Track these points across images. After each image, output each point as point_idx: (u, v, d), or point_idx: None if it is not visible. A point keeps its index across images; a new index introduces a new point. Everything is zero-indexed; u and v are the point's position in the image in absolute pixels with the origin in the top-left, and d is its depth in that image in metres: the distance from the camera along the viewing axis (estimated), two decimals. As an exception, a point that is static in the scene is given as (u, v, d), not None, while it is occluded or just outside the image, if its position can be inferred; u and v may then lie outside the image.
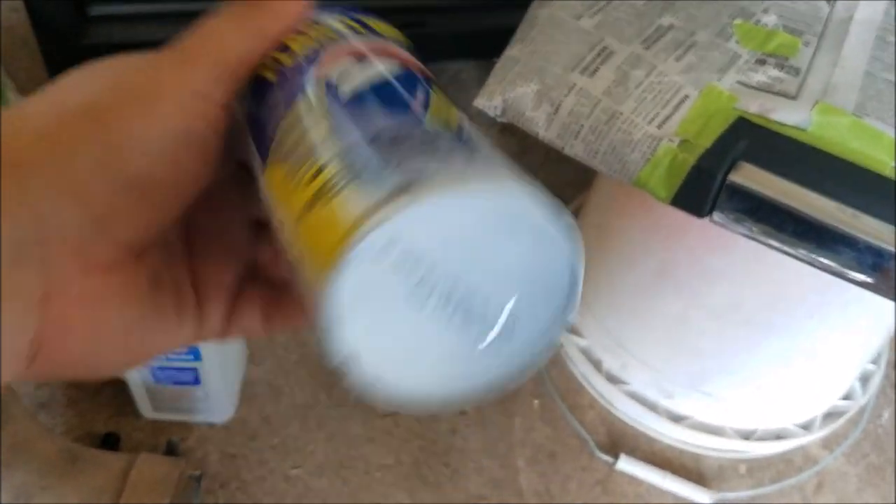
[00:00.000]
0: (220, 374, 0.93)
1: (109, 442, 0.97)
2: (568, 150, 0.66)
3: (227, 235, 0.35)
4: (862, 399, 1.03)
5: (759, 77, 0.65)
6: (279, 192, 0.28)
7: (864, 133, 0.60)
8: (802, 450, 1.03)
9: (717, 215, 0.61)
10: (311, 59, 0.31)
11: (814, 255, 0.61)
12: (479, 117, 0.85)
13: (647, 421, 1.01)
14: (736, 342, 0.88)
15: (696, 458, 1.01)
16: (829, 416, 1.02)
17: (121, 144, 0.27)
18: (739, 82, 0.65)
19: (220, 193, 0.33)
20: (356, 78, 0.29)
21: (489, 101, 0.69)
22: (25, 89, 1.32)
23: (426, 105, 0.29)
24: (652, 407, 1.00)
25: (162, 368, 0.89)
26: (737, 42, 0.68)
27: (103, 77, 0.29)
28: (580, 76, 0.67)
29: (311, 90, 0.29)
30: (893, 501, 1.00)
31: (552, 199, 0.28)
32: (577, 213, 1.16)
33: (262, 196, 0.30)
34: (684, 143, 0.61)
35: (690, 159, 0.60)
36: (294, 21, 0.32)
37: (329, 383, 1.05)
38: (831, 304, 0.80)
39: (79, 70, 0.30)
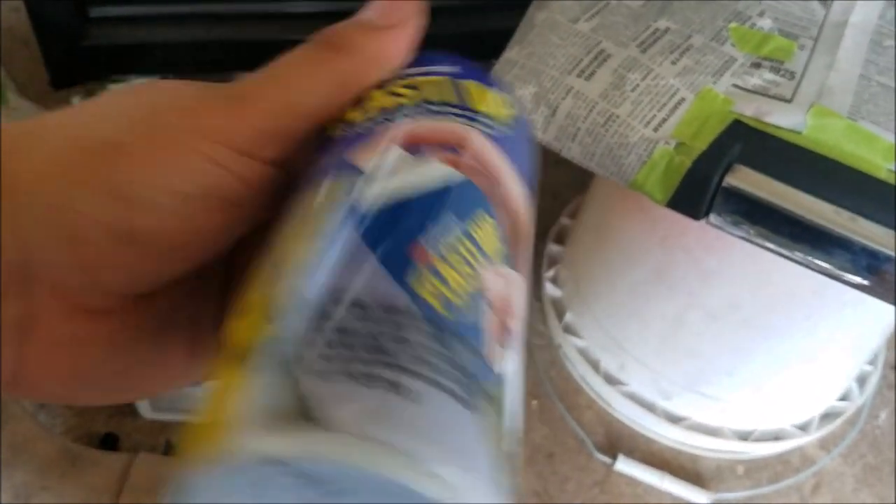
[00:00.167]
0: (219, 375, 0.93)
1: (108, 442, 0.97)
2: (565, 153, 0.67)
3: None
4: (859, 400, 1.04)
5: (755, 80, 0.65)
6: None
7: (858, 136, 0.61)
8: (800, 450, 1.03)
9: (713, 217, 0.62)
10: (363, 134, 0.26)
11: (810, 258, 0.61)
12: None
13: (645, 422, 1.01)
14: (734, 343, 0.89)
15: (694, 458, 1.01)
16: (827, 416, 1.02)
17: (129, 195, 0.24)
18: (735, 85, 0.65)
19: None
20: (383, 187, 0.24)
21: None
22: (25, 89, 1.32)
23: (435, 247, 0.23)
24: (650, 408, 1.00)
25: (161, 369, 0.89)
26: (732, 45, 0.68)
27: (138, 108, 0.25)
28: (577, 79, 0.67)
29: (336, 183, 0.24)
30: (891, 502, 1.00)
31: None
32: (574, 215, 1.17)
33: None
34: (680, 145, 0.62)
35: (686, 162, 0.61)
36: (389, 73, 0.28)
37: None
38: (828, 305, 0.80)
39: (121, 92, 0.26)
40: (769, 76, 0.65)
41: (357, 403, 0.19)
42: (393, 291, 0.21)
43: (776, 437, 1.00)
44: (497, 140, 0.27)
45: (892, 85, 0.65)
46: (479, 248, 0.24)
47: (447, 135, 0.26)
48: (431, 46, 0.30)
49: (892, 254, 0.58)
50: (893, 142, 0.60)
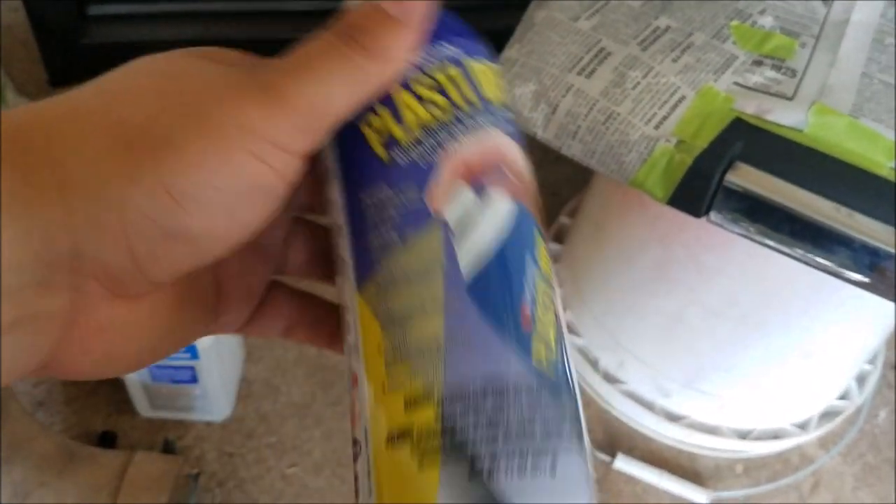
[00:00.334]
0: (217, 373, 0.93)
1: (107, 440, 0.97)
2: (565, 151, 0.67)
3: (263, 238, 0.31)
4: (858, 399, 1.04)
5: (756, 78, 0.65)
6: (368, 346, 0.27)
7: (860, 134, 0.61)
8: (799, 449, 1.03)
9: (713, 215, 0.62)
10: (421, 166, 0.28)
11: (810, 255, 0.61)
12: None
13: (644, 420, 1.01)
14: (732, 340, 0.89)
15: (693, 457, 1.01)
16: (826, 415, 1.02)
17: (180, 193, 0.24)
18: (736, 83, 0.65)
19: None
20: (475, 243, 0.27)
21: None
22: (24, 88, 1.32)
23: (533, 303, 0.27)
24: (649, 406, 1.00)
25: (159, 367, 0.89)
26: (733, 43, 0.68)
27: (178, 95, 0.26)
28: (577, 77, 0.67)
29: (427, 238, 0.27)
30: (890, 502, 1.00)
31: None
32: (573, 214, 1.17)
33: (345, 300, 0.29)
34: (681, 143, 0.61)
35: (687, 160, 0.61)
36: (406, 67, 0.29)
37: (326, 382, 1.05)
38: (827, 301, 0.80)
39: (147, 70, 0.27)
40: (770, 74, 0.65)
41: (525, 486, 0.24)
42: (511, 357, 0.26)
43: (775, 435, 1.00)
44: (511, 134, 0.30)
45: (894, 83, 0.65)
46: (550, 285, 0.28)
47: (491, 157, 0.28)
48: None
49: (893, 251, 0.58)
50: (894, 139, 0.60)
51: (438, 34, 0.29)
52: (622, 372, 1.02)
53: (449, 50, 0.29)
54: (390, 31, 0.27)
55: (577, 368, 1.06)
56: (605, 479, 0.99)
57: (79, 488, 0.80)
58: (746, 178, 0.60)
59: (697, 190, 0.61)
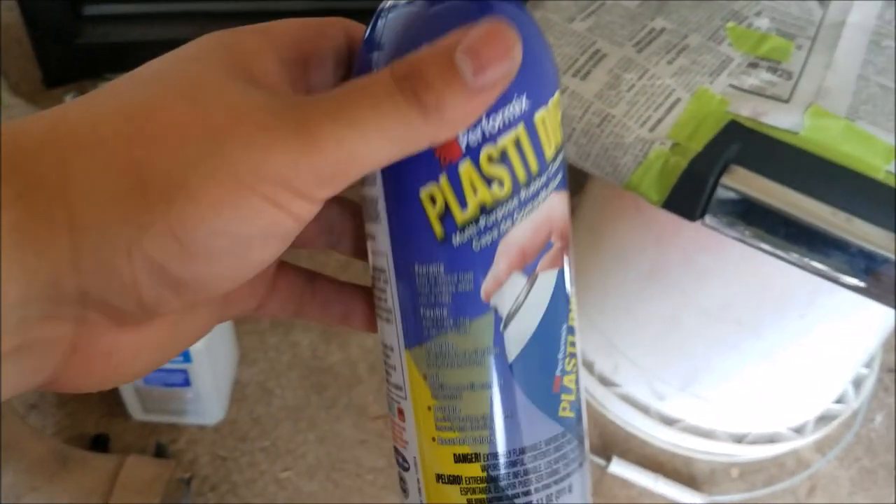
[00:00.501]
0: (210, 376, 0.93)
1: (99, 443, 0.96)
2: (560, 153, 0.66)
3: None
4: (855, 403, 1.03)
5: (752, 80, 0.65)
6: (418, 403, 0.30)
7: (856, 137, 0.60)
8: (795, 453, 1.03)
9: (708, 219, 0.61)
10: (483, 255, 0.28)
11: (806, 260, 0.60)
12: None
13: (639, 424, 1.01)
14: (727, 343, 0.88)
15: (688, 461, 1.01)
16: (822, 419, 1.02)
17: (189, 239, 0.23)
18: (731, 85, 0.64)
19: None
20: (520, 327, 0.29)
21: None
22: (19, 88, 1.32)
23: (563, 370, 0.31)
24: (644, 409, 1.00)
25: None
26: (729, 45, 0.67)
27: (197, 125, 0.24)
28: (572, 79, 0.66)
29: (479, 325, 0.29)
30: (886, 505, 1.00)
31: None
32: (570, 215, 1.16)
33: (390, 343, 0.31)
34: (676, 146, 0.61)
35: (682, 162, 0.60)
36: (469, 129, 0.27)
37: (320, 385, 1.05)
38: (823, 306, 0.80)
39: (177, 79, 0.25)
40: (766, 76, 0.65)
41: None
42: (545, 422, 0.30)
43: (771, 439, 1.00)
44: (562, 183, 0.30)
45: (891, 85, 0.65)
46: (575, 331, 0.32)
47: (543, 234, 0.29)
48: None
49: (891, 256, 0.58)
50: (891, 143, 0.60)
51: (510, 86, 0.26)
52: (617, 375, 1.01)
53: (517, 106, 0.27)
54: (457, 93, 0.24)
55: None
56: (601, 483, 0.98)
57: (70, 492, 0.80)
58: (742, 181, 0.60)
59: (692, 193, 0.60)
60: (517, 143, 0.28)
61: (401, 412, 0.31)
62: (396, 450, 0.32)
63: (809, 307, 0.80)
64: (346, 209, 0.34)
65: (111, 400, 0.99)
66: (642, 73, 0.66)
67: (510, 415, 0.30)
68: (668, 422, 0.99)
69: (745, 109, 0.62)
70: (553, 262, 0.30)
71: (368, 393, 1.04)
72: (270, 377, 1.05)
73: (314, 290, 0.34)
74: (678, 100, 0.64)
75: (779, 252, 0.61)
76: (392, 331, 0.31)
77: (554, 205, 0.29)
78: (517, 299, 0.29)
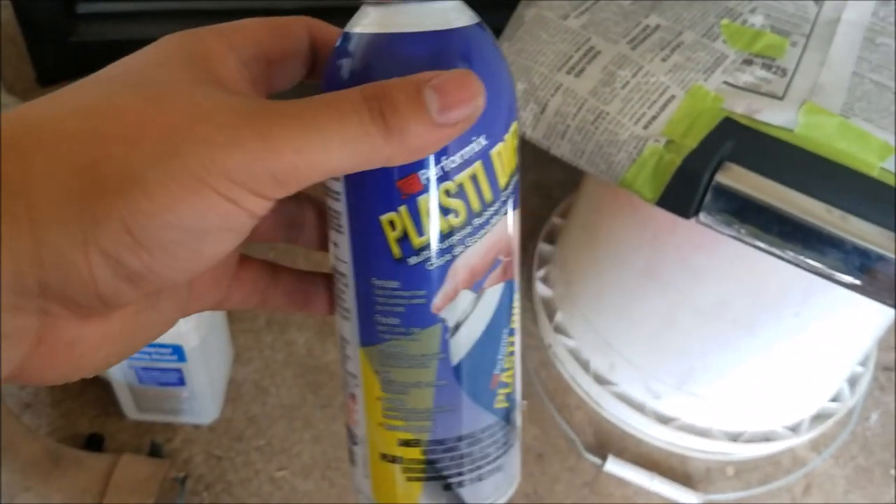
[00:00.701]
0: (204, 375, 0.92)
1: (94, 442, 0.96)
2: (554, 151, 0.66)
3: None
4: (850, 401, 1.03)
5: (746, 77, 0.65)
6: (369, 392, 0.33)
7: (851, 134, 0.60)
8: (790, 452, 1.03)
9: (703, 216, 0.61)
10: (436, 275, 0.30)
11: (801, 257, 0.60)
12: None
13: (634, 422, 1.01)
14: (723, 342, 0.88)
15: (684, 459, 1.01)
16: (818, 418, 1.02)
17: (142, 234, 0.24)
18: (726, 83, 0.64)
19: None
20: (466, 336, 0.32)
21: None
22: (13, 87, 1.32)
23: (502, 368, 0.34)
24: (640, 408, 1.00)
25: (146, 369, 0.89)
26: (724, 42, 0.67)
27: (156, 123, 0.25)
28: (567, 76, 0.66)
29: (428, 335, 0.31)
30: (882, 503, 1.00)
31: None
32: (565, 214, 1.16)
33: (346, 336, 0.34)
34: (670, 143, 0.61)
35: (676, 160, 0.60)
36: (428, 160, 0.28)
37: (316, 384, 1.04)
38: (818, 304, 0.80)
39: (138, 76, 0.26)
40: (761, 73, 0.65)
41: (480, 487, 0.35)
42: (482, 414, 0.33)
43: (766, 438, 0.99)
44: (514, 203, 0.32)
45: (886, 82, 0.65)
46: (515, 332, 0.34)
47: (492, 254, 0.31)
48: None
49: (886, 253, 0.58)
50: (886, 140, 0.60)
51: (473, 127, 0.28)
52: (613, 374, 1.01)
53: (475, 146, 0.29)
54: (421, 123, 0.26)
55: (568, 371, 1.06)
56: (596, 482, 0.98)
57: (64, 492, 0.80)
58: (736, 178, 0.59)
59: (687, 190, 0.60)
60: (473, 178, 0.30)
61: (353, 396, 0.34)
62: (348, 427, 0.36)
63: (804, 305, 0.80)
64: (305, 204, 0.36)
65: (106, 399, 0.98)
66: (637, 70, 0.66)
67: (450, 409, 0.33)
68: (664, 420, 0.99)
69: (740, 106, 0.62)
70: (500, 277, 0.32)
71: (364, 392, 1.04)
72: (265, 376, 1.05)
73: (277, 280, 0.36)
74: (672, 97, 0.63)
75: (774, 250, 0.61)
76: (349, 328, 0.33)
77: (504, 225, 0.32)
78: (464, 312, 0.31)
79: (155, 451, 0.93)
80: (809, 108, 0.61)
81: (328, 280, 0.35)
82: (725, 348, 0.88)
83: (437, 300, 0.31)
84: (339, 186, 0.31)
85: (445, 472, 0.34)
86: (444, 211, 0.29)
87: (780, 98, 0.63)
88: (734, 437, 0.99)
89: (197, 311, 0.33)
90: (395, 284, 0.31)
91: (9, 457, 0.80)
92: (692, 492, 0.96)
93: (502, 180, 0.31)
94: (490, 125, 0.29)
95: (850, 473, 1.02)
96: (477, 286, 0.31)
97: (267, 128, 0.25)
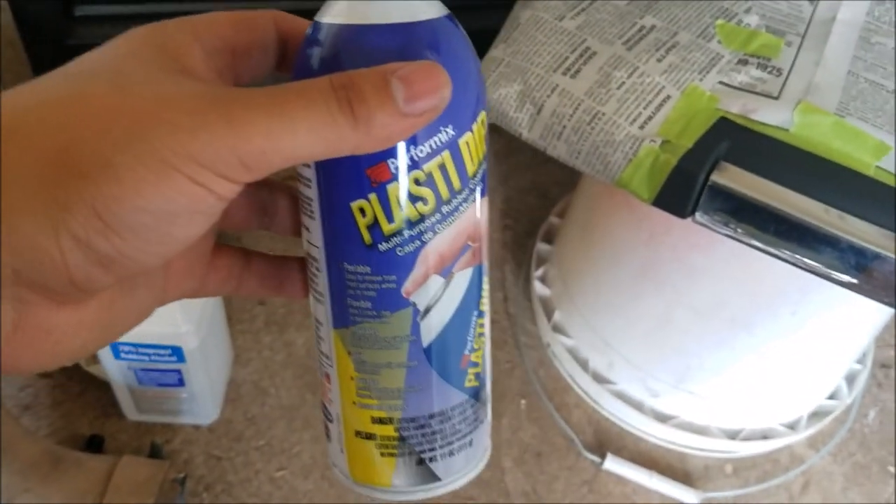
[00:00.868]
0: (204, 376, 0.92)
1: (94, 444, 0.96)
2: (551, 151, 0.66)
3: None
4: (848, 398, 1.04)
5: (742, 77, 0.65)
6: (342, 372, 0.35)
7: (846, 133, 0.60)
8: (789, 449, 1.03)
9: (699, 216, 0.61)
10: (406, 260, 0.31)
11: (797, 256, 0.61)
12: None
13: (633, 420, 1.01)
14: (720, 340, 0.88)
15: (683, 457, 1.01)
16: (816, 415, 1.02)
17: (112, 218, 0.24)
18: (721, 83, 0.64)
19: None
20: (436, 318, 0.33)
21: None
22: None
23: (472, 348, 0.35)
24: (638, 406, 1.00)
25: (145, 370, 0.89)
26: (719, 42, 0.67)
27: (123, 110, 0.25)
28: (562, 77, 0.67)
29: (399, 318, 0.32)
30: (880, 502, 1.00)
31: None
32: (563, 213, 1.16)
33: (319, 318, 0.35)
34: (666, 143, 0.61)
35: (672, 160, 0.60)
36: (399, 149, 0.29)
37: (315, 384, 1.05)
38: (815, 302, 0.80)
39: (108, 65, 0.27)
40: (756, 73, 0.65)
41: (452, 461, 0.36)
42: (452, 393, 0.35)
43: (764, 435, 1.00)
44: (482, 190, 0.33)
45: (881, 81, 0.65)
46: (484, 313, 0.36)
47: (461, 240, 0.32)
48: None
49: (883, 252, 0.58)
50: (882, 139, 0.60)
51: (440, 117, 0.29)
52: (612, 372, 1.01)
53: (443, 136, 0.30)
54: (387, 113, 0.27)
55: (567, 370, 1.06)
56: (595, 480, 0.98)
57: (63, 493, 0.80)
58: (732, 178, 0.60)
59: (683, 190, 0.60)
60: (442, 167, 0.30)
61: (327, 376, 0.36)
62: (323, 404, 0.37)
63: (801, 303, 0.80)
64: (277, 191, 0.36)
65: (105, 400, 0.99)
66: (632, 70, 0.66)
67: (422, 388, 0.34)
68: (662, 418, 0.99)
69: (735, 106, 0.62)
70: (469, 261, 0.33)
71: (363, 392, 1.04)
72: (265, 376, 1.05)
73: (250, 266, 0.36)
74: (668, 97, 0.64)
75: (770, 249, 0.61)
76: (322, 310, 0.34)
77: (473, 212, 0.32)
78: (434, 296, 0.32)
79: (155, 452, 0.93)
80: (805, 107, 0.61)
81: (301, 264, 0.36)
82: (723, 347, 0.89)
83: (407, 285, 0.32)
84: (310, 173, 0.31)
85: (418, 448, 0.35)
86: (414, 199, 0.30)
87: (776, 98, 0.63)
88: (732, 435, 0.99)
89: (173, 299, 0.34)
90: (366, 269, 0.31)
91: (8, 459, 0.80)
92: (691, 490, 0.96)
93: (470, 169, 0.31)
94: (458, 115, 0.30)
95: (849, 470, 1.02)
96: (446, 271, 0.32)
97: (234, 112, 0.25)
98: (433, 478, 0.36)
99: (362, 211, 0.30)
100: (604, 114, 0.64)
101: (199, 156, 0.25)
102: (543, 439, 1.02)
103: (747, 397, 0.96)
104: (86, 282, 0.26)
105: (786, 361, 0.90)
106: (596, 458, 0.99)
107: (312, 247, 0.33)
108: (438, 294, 0.32)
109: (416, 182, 0.30)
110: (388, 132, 0.27)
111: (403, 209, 0.30)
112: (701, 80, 0.64)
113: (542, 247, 1.15)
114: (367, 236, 0.31)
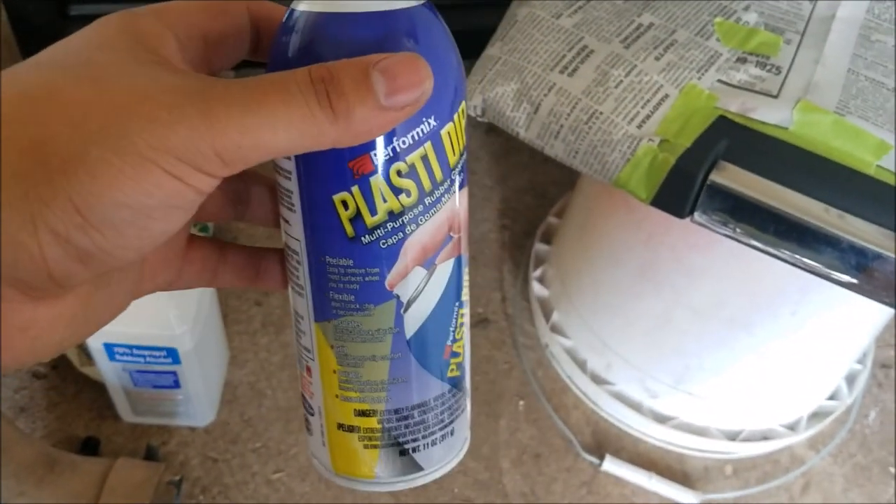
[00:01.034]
0: (200, 378, 0.92)
1: (89, 446, 0.96)
2: (548, 150, 0.66)
3: None
4: (848, 399, 1.03)
5: (740, 75, 0.64)
6: (324, 365, 0.34)
7: (846, 131, 0.60)
8: (789, 450, 1.02)
9: (698, 216, 0.61)
10: (389, 252, 0.31)
11: (797, 256, 0.60)
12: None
13: (632, 421, 1.01)
14: (719, 341, 0.88)
15: (682, 458, 1.00)
16: (816, 416, 1.01)
17: (90, 211, 0.24)
18: (720, 81, 0.64)
19: None
20: (419, 310, 0.33)
21: (468, 100, 0.68)
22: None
23: (454, 338, 0.35)
24: (637, 407, 0.99)
25: (140, 372, 0.88)
26: (717, 40, 0.67)
27: (99, 102, 0.25)
28: (560, 75, 0.66)
29: (382, 310, 0.32)
30: (881, 502, 1.00)
31: None
32: (562, 213, 1.16)
33: (300, 311, 0.34)
34: (664, 142, 0.61)
35: (670, 159, 0.60)
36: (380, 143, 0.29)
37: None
38: (815, 302, 0.80)
39: (81, 56, 0.26)
40: (755, 71, 0.64)
41: (434, 451, 0.36)
42: (435, 383, 0.35)
43: (764, 436, 0.99)
44: (463, 181, 0.33)
45: (881, 79, 0.64)
46: (465, 303, 0.35)
47: (443, 231, 0.32)
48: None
49: (883, 252, 0.57)
50: (882, 137, 0.60)
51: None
52: (610, 373, 1.01)
53: (425, 127, 0.29)
54: (367, 107, 0.26)
55: (565, 370, 1.06)
56: (594, 482, 0.98)
57: (58, 496, 0.79)
58: (731, 177, 0.59)
59: (681, 190, 0.60)
60: (424, 158, 0.30)
61: (308, 369, 0.35)
62: (304, 397, 0.36)
63: (801, 303, 0.80)
64: (250, 180, 0.36)
65: (101, 402, 0.98)
66: (630, 69, 0.65)
67: (405, 380, 0.34)
68: (662, 419, 0.99)
69: (734, 105, 0.62)
70: (451, 252, 0.33)
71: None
72: (261, 378, 1.05)
73: (225, 257, 0.36)
74: (666, 96, 0.63)
75: (769, 249, 0.61)
76: (303, 303, 0.34)
77: (454, 203, 0.32)
78: (417, 288, 0.32)
79: (151, 455, 0.93)
80: (804, 106, 0.61)
81: (279, 255, 0.36)
82: (722, 347, 0.88)
83: (390, 277, 0.31)
84: (289, 165, 0.31)
85: (401, 439, 0.35)
86: (396, 191, 0.30)
87: (775, 96, 0.62)
88: (732, 436, 0.99)
89: (149, 291, 0.33)
90: (348, 262, 0.31)
91: (3, 461, 0.79)
92: (690, 491, 0.96)
93: (452, 159, 0.31)
94: (439, 106, 0.30)
95: (849, 471, 1.02)
96: (429, 262, 0.32)
97: (211, 107, 0.25)
98: (416, 468, 0.36)
99: (344, 204, 0.30)
100: (601, 113, 0.63)
101: (177, 150, 0.24)
102: (542, 440, 1.01)
103: (747, 398, 0.96)
104: (64, 277, 0.25)
105: (786, 362, 0.89)
106: (594, 460, 0.99)
107: (292, 239, 0.33)
108: (422, 286, 0.32)
109: (399, 174, 0.30)
110: (368, 126, 0.27)
111: (386, 201, 0.30)
112: (699, 78, 0.64)
113: (540, 247, 1.15)
114: (349, 229, 0.30)
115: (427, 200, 0.31)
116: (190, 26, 0.30)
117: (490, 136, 1.33)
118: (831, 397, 1.03)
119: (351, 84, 0.26)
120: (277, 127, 0.25)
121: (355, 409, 0.34)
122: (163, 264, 0.33)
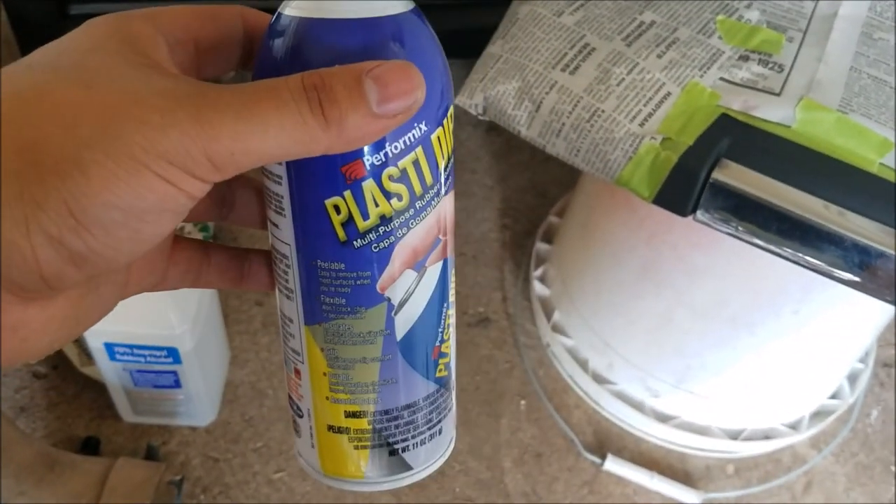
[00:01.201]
0: (201, 377, 0.92)
1: (90, 446, 0.95)
2: (550, 149, 0.65)
3: None
4: (850, 398, 1.03)
5: (743, 73, 0.64)
6: (314, 368, 0.34)
7: (849, 129, 0.60)
8: (791, 449, 1.02)
9: (700, 214, 0.61)
10: (381, 256, 0.31)
11: (800, 254, 0.60)
12: (464, 116, 0.84)
13: (633, 421, 1.00)
14: (721, 340, 0.88)
15: (684, 458, 1.00)
16: (818, 415, 1.01)
17: (83, 214, 0.24)
18: (722, 79, 0.64)
19: None
20: (409, 312, 0.33)
21: (470, 98, 0.68)
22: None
23: (442, 340, 0.35)
24: (638, 407, 0.99)
25: (141, 372, 0.88)
26: (719, 38, 0.67)
27: (91, 105, 0.25)
28: (561, 73, 0.66)
29: (373, 313, 0.32)
30: (883, 502, 1.00)
31: None
32: (563, 212, 1.16)
33: (288, 314, 0.34)
34: (666, 140, 0.60)
35: (673, 157, 0.59)
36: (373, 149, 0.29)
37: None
38: (816, 300, 0.80)
39: (74, 59, 0.26)
40: (757, 69, 0.64)
41: (423, 450, 0.36)
42: (424, 384, 0.35)
43: (766, 435, 0.99)
44: (451, 184, 0.33)
45: (883, 77, 0.64)
46: (452, 303, 0.36)
47: (433, 234, 0.32)
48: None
49: (886, 250, 0.57)
50: (885, 135, 0.59)
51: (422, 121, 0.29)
52: (612, 373, 1.01)
53: (416, 133, 0.30)
54: (360, 115, 0.26)
55: (566, 370, 1.05)
56: (595, 481, 0.98)
57: (58, 496, 0.79)
58: (733, 175, 0.59)
59: (683, 188, 0.60)
60: (415, 163, 0.30)
61: (297, 372, 0.35)
62: (292, 399, 0.36)
63: (803, 302, 0.80)
64: (234, 182, 0.36)
65: (101, 402, 0.98)
66: (632, 67, 0.65)
67: (395, 381, 0.34)
68: (663, 419, 0.99)
69: (736, 103, 0.62)
70: (439, 255, 0.33)
71: (361, 393, 1.03)
72: (262, 378, 1.04)
73: (209, 259, 0.36)
74: (668, 94, 0.63)
75: (772, 247, 0.61)
76: (292, 307, 0.34)
77: (443, 206, 0.32)
78: (408, 290, 0.33)
79: (151, 454, 0.93)
80: (807, 103, 0.61)
81: (265, 257, 0.36)
82: (724, 346, 0.88)
83: (382, 280, 0.32)
84: (280, 170, 0.31)
85: (391, 440, 0.35)
86: (388, 195, 0.30)
87: (777, 94, 0.62)
88: (734, 435, 0.99)
89: (135, 293, 0.33)
90: (340, 266, 0.31)
91: (3, 461, 0.79)
92: (692, 490, 0.96)
93: (441, 163, 0.31)
94: (429, 111, 0.30)
95: (851, 471, 1.02)
96: (419, 265, 0.32)
97: (203, 111, 0.25)
98: (405, 467, 0.36)
99: (336, 208, 0.30)
100: (603, 111, 0.63)
101: (169, 154, 0.24)
102: (543, 440, 1.01)
103: (749, 397, 0.96)
104: (57, 278, 0.25)
105: (787, 361, 0.89)
106: (596, 459, 0.98)
107: (282, 243, 0.33)
108: (412, 288, 0.33)
109: (391, 178, 0.30)
110: (360, 133, 0.27)
111: (378, 206, 0.30)
112: (702, 76, 0.64)
113: (541, 246, 1.15)
114: (341, 233, 0.30)
115: (418, 204, 0.31)
116: (181, 31, 0.30)
117: (491, 135, 1.32)
118: (833, 396, 1.03)
119: (343, 91, 0.26)
120: (269, 133, 0.25)
121: (346, 411, 0.35)
122: (148, 266, 0.33)
